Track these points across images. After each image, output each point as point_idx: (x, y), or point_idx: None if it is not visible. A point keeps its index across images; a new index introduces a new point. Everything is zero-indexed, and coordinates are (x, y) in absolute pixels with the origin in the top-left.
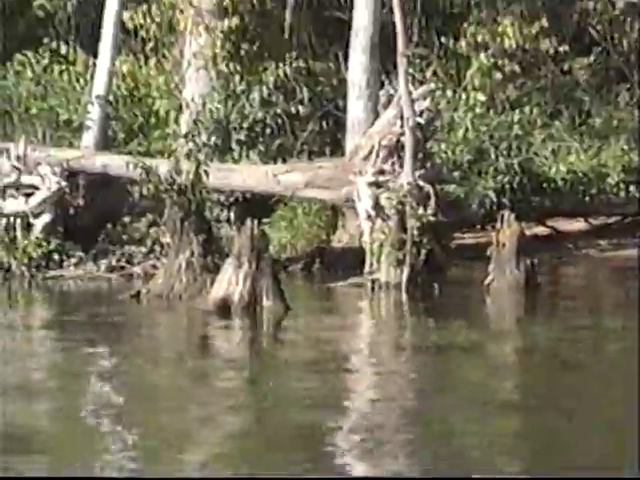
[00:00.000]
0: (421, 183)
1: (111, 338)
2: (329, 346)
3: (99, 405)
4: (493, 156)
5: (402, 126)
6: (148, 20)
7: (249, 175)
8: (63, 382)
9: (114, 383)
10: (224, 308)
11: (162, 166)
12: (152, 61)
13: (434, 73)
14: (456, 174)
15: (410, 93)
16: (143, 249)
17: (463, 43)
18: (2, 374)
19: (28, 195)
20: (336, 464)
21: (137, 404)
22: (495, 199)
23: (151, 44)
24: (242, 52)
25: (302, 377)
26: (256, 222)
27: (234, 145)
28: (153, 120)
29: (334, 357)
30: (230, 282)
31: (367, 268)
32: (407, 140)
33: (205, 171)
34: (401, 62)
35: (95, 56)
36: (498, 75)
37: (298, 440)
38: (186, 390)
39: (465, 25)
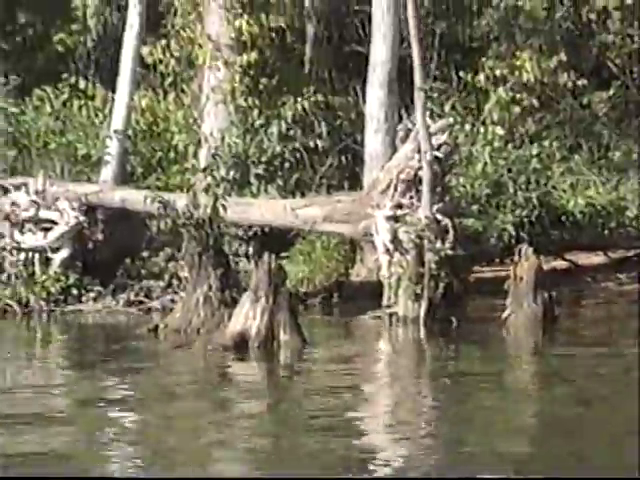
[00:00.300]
0: (439, 217)
1: (129, 371)
2: (346, 376)
3: (117, 431)
4: (511, 190)
5: (420, 160)
6: (167, 55)
7: (267, 209)
8: (82, 411)
9: (131, 412)
10: (242, 342)
11: (180, 200)
12: (171, 96)
13: (452, 107)
14: (474, 208)
15: (428, 127)
16: (161, 283)
17: (482, 77)
18: (23, 404)
19: (47, 230)
20: None
21: (154, 429)
22: (514, 233)
23: (170, 79)
24: (261, 86)
25: (319, 404)
26: (274, 256)
27: (252, 179)
28: (172, 154)
29: (351, 386)
30: (247, 316)
31: (385, 302)
32: (425, 174)
33: (223, 205)
34: (419, 96)
35: (114, 91)
36: (517, 109)
37: (312, 462)
38: (204, 417)
39: (484, 59)
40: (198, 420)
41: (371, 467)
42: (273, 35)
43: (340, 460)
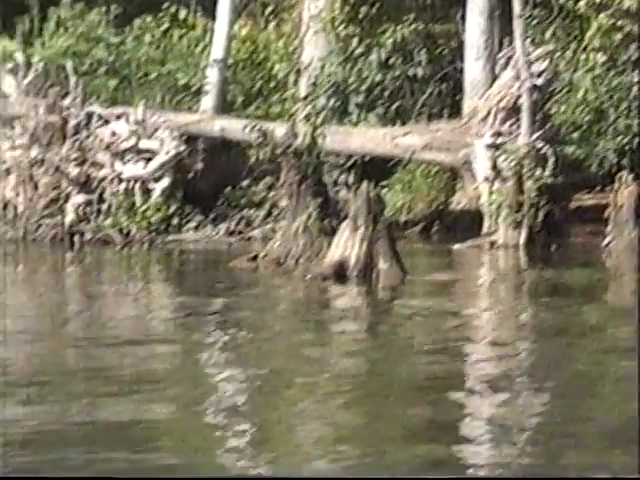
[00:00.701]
0: (539, 144)
1: (228, 298)
2: (446, 301)
3: (219, 352)
4: (613, 117)
5: (520, 87)
6: None
7: (367, 138)
8: (186, 333)
9: (233, 334)
10: (340, 271)
11: (279, 129)
12: (271, 24)
13: (553, 34)
14: (575, 135)
15: (528, 54)
16: (262, 212)
17: (582, 3)
18: (126, 327)
19: (147, 160)
20: (455, 407)
21: (254, 351)
22: (615, 160)
23: (270, 7)
24: (361, 15)
25: (419, 327)
26: (373, 185)
27: (352, 108)
28: (272, 83)
29: (451, 309)
30: (346, 245)
31: (485, 230)
32: (524, 102)
33: (322, 134)
34: (518, 23)
35: (214, 20)
36: (618, 36)
37: (415, 385)
38: (302, 337)
39: None
40: (296, 340)
41: (470, 385)
42: None
43: (438, 380)
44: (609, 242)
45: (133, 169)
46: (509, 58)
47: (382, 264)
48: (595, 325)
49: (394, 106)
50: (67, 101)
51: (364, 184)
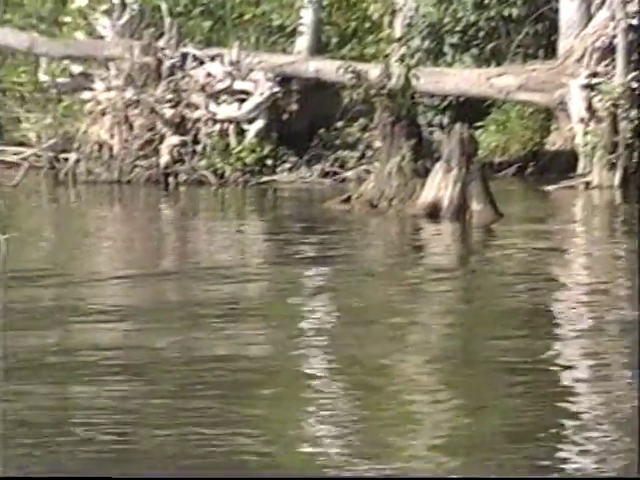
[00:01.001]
0: (634, 85)
1: (322, 243)
2: (541, 252)
3: (311, 287)
4: None
5: (615, 28)
6: None
7: (462, 79)
8: (278, 268)
9: (325, 296)
10: (433, 212)
11: (373, 70)
12: None
13: None
14: None
15: None
16: (356, 154)
17: None
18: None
19: (241, 101)
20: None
21: (344, 292)
22: None
23: None
24: None
25: (511, 288)
26: (466, 126)
27: (447, 49)
28: (366, 24)
29: (548, 247)
30: (440, 186)
31: (580, 170)
32: (619, 42)
33: (415, 75)
34: None
35: None
36: None
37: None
38: (398, 309)
39: None
40: (389, 290)
41: (571, 322)
42: None
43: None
44: None
45: (228, 110)
46: None
47: (475, 205)
48: None
49: (489, 47)
50: (162, 42)
51: (457, 125)
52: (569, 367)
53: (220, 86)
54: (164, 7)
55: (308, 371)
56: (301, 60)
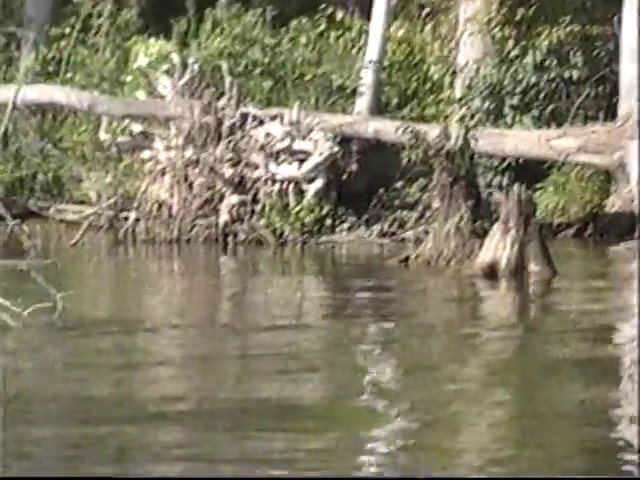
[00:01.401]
0: None
1: (381, 303)
2: (599, 313)
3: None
4: None
5: None
6: None
7: (521, 140)
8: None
9: (385, 349)
10: (491, 273)
11: (432, 131)
12: (428, 26)
13: None
14: None
15: None
16: (415, 214)
17: None
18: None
19: (301, 161)
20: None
21: (410, 374)
22: None
23: (427, 9)
24: (517, 17)
25: (570, 344)
26: (525, 187)
27: (507, 110)
28: (427, 85)
29: (605, 325)
30: (497, 247)
31: (639, 233)
32: None
33: (474, 136)
34: None
35: (369, 21)
36: None
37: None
38: (458, 362)
39: None
40: (453, 365)
41: None
42: None
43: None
44: None
45: (287, 170)
46: None
47: (533, 266)
48: None
49: (549, 108)
50: (222, 102)
51: (516, 186)
52: None
53: (280, 146)
54: (224, 67)
55: (369, 414)
56: (361, 120)
